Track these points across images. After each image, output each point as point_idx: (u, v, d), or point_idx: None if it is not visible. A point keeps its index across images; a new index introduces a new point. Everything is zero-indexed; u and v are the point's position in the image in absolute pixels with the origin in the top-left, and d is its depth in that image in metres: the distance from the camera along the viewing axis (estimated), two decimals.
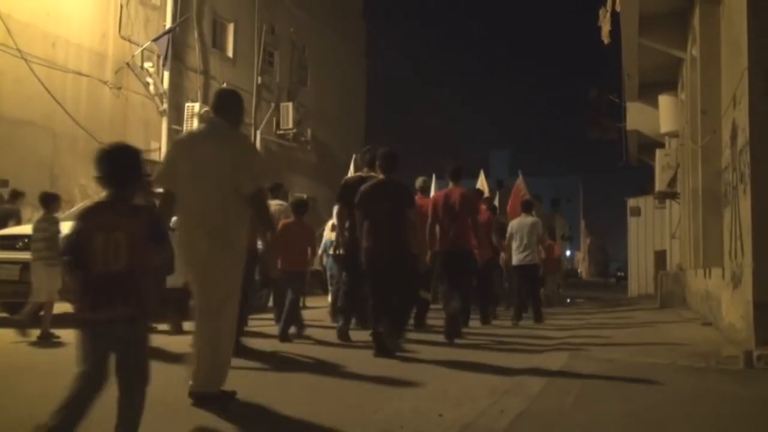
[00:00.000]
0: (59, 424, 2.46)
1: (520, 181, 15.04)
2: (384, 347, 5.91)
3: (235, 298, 3.93)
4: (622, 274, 41.14)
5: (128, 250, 2.57)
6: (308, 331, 7.62)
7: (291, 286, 7.35)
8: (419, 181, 8.45)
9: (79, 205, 6.53)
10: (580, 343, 7.13)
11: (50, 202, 6.80)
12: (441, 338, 7.38)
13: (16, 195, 10.23)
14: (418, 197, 7.66)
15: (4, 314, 8.54)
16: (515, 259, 10.02)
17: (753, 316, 5.69)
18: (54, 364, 5.40)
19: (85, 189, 13.14)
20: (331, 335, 7.35)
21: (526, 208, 10.61)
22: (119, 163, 2.73)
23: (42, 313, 6.62)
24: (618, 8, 11.88)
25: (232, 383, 4.01)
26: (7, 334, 6.62)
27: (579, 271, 64.60)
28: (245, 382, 4.50)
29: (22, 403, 4.04)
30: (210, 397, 3.75)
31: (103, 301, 2.55)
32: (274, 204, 7.93)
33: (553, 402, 4.14)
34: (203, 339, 3.79)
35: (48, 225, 6.66)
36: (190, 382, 3.78)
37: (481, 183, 13.82)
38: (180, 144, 4.16)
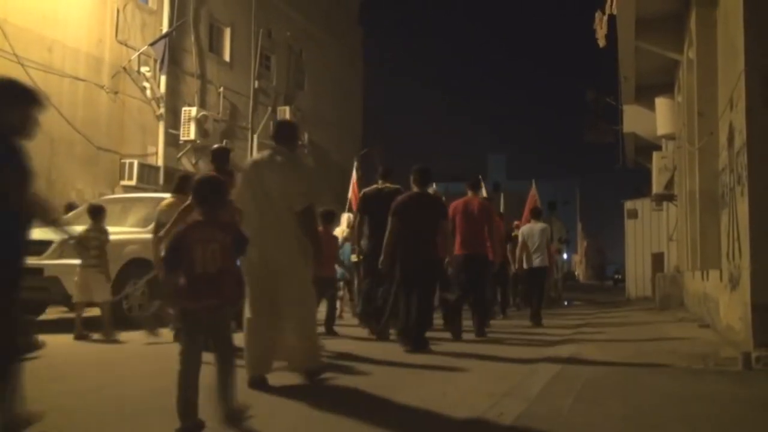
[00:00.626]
0: (182, 398, 3.23)
1: (533, 190, 15.46)
2: (420, 341, 6.55)
3: (307, 299, 4.70)
4: (620, 276, 41.15)
5: (220, 256, 3.37)
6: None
7: (324, 291, 7.74)
8: (431, 191, 8.67)
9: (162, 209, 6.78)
10: (578, 346, 7.13)
11: (98, 213, 7.49)
12: (440, 339, 7.39)
13: (72, 207, 10.57)
14: None
15: None
16: (526, 262, 10.75)
17: (751, 317, 5.69)
18: (53, 368, 5.38)
19: (82, 193, 13.11)
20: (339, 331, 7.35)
21: (536, 214, 11.49)
22: (209, 190, 3.53)
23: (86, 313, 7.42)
24: (614, 11, 11.90)
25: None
26: None
27: (576, 273, 64.63)
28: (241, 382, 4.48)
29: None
30: (315, 371, 4.66)
31: (200, 294, 3.34)
32: None
33: (551, 404, 4.13)
34: (284, 331, 4.54)
35: (99, 234, 7.40)
36: (285, 363, 4.73)
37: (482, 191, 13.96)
38: (248, 170, 4.78)
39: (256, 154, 4.95)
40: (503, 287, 11.57)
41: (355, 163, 13.85)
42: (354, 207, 10.81)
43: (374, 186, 8.07)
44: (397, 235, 6.71)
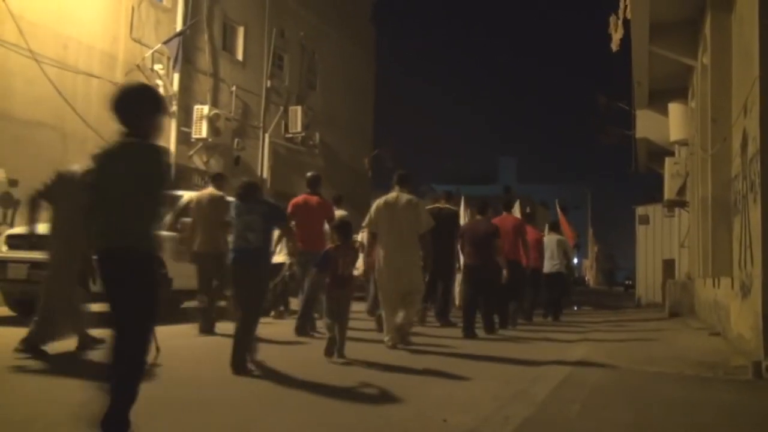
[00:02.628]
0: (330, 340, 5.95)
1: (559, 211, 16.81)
2: (472, 331, 8.46)
3: (418, 292, 7.31)
4: (630, 282, 40.93)
5: (350, 266, 6.14)
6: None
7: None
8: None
9: None
10: (586, 350, 7.09)
11: None
12: (450, 341, 7.40)
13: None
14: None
15: (13, 313, 8.57)
16: (546, 267, 12.27)
17: (762, 326, 5.64)
18: (54, 364, 5.41)
19: None
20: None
21: (553, 227, 13.21)
22: (348, 229, 6.38)
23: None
24: (629, 16, 11.84)
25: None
26: (14, 333, 6.63)
27: (586, 278, 64.33)
28: (256, 387, 4.48)
29: (26, 401, 4.05)
30: (406, 339, 7.07)
31: (340, 286, 6.01)
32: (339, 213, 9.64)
33: (558, 409, 4.11)
34: (402, 316, 6.93)
35: None
36: (387, 338, 6.95)
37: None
38: (381, 204, 7.19)
39: (387, 196, 7.28)
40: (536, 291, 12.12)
41: (366, 161, 13.94)
42: None
43: (436, 205, 10.11)
44: (466, 250, 9.10)
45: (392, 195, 7.25)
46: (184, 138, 15.47)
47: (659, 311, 15.36)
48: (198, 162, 15.99)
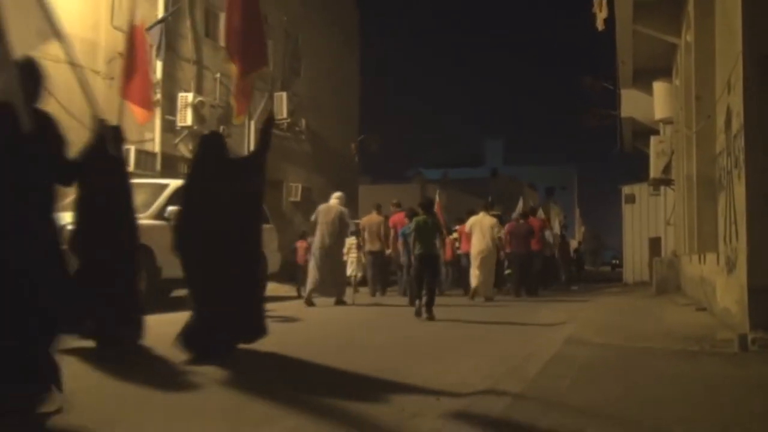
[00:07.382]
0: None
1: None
2: (519, 294, 13.56)
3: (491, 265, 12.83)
4: (618, 261, 41.26)
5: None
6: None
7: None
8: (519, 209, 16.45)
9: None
10: (575, 328, 7.17)
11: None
12: (442, 323, 7.45)
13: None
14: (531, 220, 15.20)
15: None
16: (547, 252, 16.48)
17: (747, 300, 5.73)
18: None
19: None
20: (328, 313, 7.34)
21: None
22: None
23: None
24: None
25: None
26: None
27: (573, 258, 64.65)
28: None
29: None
30: (490, 298, 12.32)
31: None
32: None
33: (549, 385, 4.16)
34: (484, 282, 12.38)
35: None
36: (482, 299, 12.15)
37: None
38: (473, 221, 12.72)
39: (477, 216, 12.78)
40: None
41: (438, 191, 17.15)
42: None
43: (482, 213, 13.23)
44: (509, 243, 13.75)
45: (480, 216, 12.71)
46: (169, 126, 15.34)
47: (646, 289, 15.52)
48: (183, 150, 15.87)
